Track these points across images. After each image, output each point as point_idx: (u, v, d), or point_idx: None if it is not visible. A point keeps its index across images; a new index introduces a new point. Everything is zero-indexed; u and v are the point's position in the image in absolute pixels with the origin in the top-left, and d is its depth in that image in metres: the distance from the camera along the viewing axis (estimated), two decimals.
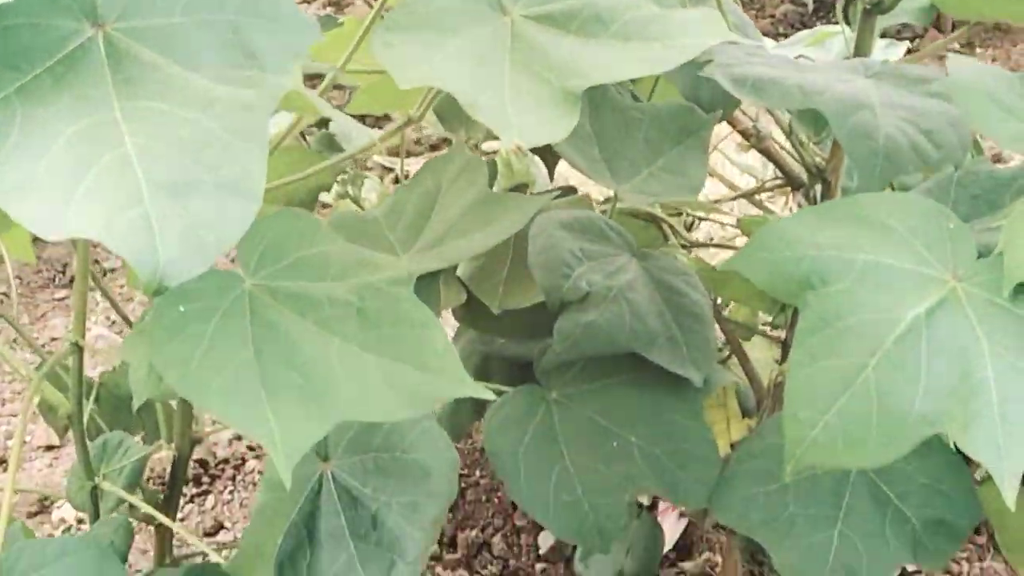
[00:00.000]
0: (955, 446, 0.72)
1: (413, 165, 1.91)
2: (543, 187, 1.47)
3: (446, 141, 2.27)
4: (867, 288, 0.76)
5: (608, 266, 1.02)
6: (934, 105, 0.95)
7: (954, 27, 2.79)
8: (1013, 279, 0.73)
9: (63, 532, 1.65)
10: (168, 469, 1.02)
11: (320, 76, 0.87)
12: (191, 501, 1.72)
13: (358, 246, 0.76)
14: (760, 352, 1.31)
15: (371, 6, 0.82)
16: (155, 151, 0.56)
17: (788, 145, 1.15)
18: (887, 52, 1.65)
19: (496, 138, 1.58)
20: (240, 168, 0.57)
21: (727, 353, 1.27)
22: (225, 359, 0.67)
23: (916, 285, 0.75)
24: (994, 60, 3.07)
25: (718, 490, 0.99)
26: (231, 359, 0.67)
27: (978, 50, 3.14)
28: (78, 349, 0.87)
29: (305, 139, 1.56)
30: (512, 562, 1.59)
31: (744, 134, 1.18)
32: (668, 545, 1.47)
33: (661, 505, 1.53)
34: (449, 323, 1.39)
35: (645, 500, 1.51)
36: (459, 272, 1.12)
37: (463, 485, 1.70)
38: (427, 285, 1.01)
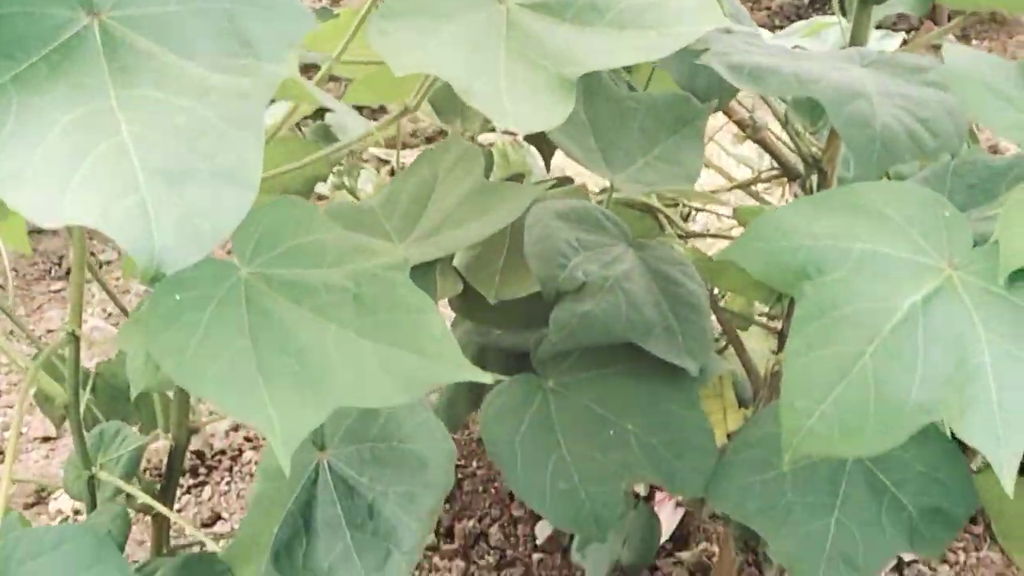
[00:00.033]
0: (952, 434, 0.72)
1: (409, 157, 1.91)
2: (539, 177, 1.47)
3: (442, 133, 2.27)
4: (863, 277, 0.76)
5: (604, 256, 1.02)
6: (930, 94, 0.95)
7: (950, 18, 2.79)
8: (1009, 267, 0.74)
9: (60, 523, 1.65)
10: (165, 460, 1.02)
11: (316, 67, 0.87)
12: (188, 492, 1.73)
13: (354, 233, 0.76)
14: (756, 342, 1.31)
15: None
16: (151, 139, 0.56)
17: (784, 135, 1.15)
18: (883, 43, 1.65)
19: (492, 130, 1.59)
20: (236, 156, 0.57)
21: (724, 343, 1.27)
22: (221, 347, 0.67)
23: (912, 273, 0.75)
24: (990, 51, 3.07)
25: (715, 479, 0.99)
26: (227, 347, 0.67)
27: (974, 41, 3.15)
28: (74, 339, 0.87)
29: (301, 130, 1.56)
30: (509, 552, 1.59)
31: (740, 125, 1.18)
32: (665, 535, 1.48)
33: (658, 495, 1.54)
34: (445, 314, 1.39)
35: (642, 490, 1.51)
36: (455, 262, 1.12)
37: (460, 475, 1.71)
38: (423, 275, 1.01)
